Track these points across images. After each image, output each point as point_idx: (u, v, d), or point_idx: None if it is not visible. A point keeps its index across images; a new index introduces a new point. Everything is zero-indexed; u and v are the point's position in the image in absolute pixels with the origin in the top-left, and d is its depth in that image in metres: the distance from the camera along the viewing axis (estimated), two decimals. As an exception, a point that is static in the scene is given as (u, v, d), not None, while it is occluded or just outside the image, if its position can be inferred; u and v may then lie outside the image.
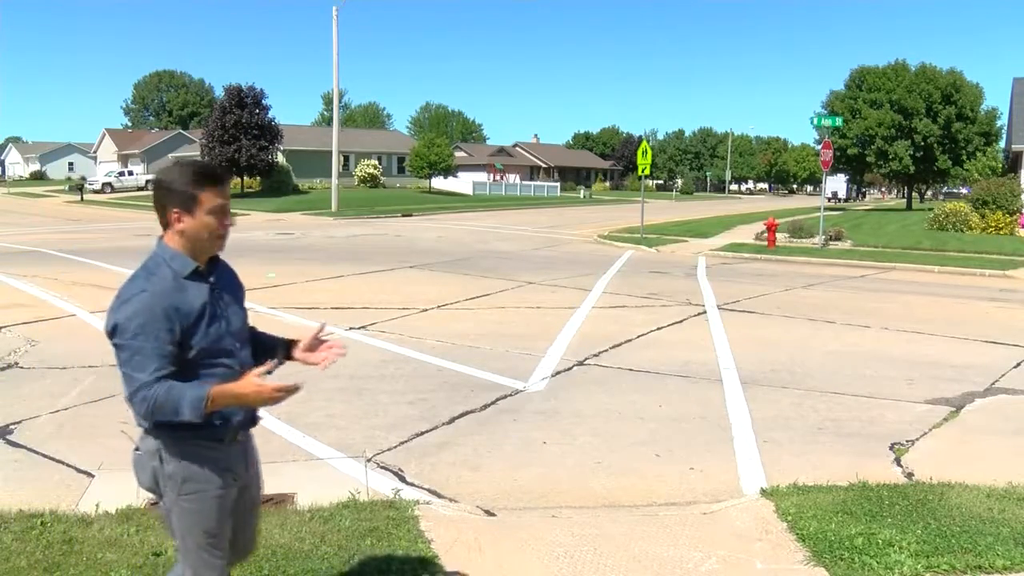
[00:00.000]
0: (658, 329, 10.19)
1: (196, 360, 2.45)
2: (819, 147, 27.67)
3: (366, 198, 47.88)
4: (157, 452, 2.52)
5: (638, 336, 9.70)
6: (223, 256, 2.68)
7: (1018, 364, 8.56)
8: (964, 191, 61.02)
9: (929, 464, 5.42)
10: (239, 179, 52.98)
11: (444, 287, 13.62)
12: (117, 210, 43.25)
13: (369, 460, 5.38)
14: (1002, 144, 47.60)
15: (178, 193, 2.46)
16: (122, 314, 2.38)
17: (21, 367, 7.75)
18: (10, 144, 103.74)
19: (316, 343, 2.71)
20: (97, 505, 4.40)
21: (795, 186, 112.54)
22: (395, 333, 9.55)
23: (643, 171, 25.89)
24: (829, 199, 67.43)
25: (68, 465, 5.21)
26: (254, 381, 2.37)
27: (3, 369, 7.68)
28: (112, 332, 2.40)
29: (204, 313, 2.47)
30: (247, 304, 2.75)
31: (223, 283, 2.61)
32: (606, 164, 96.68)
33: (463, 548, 4.05)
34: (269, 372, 2.45)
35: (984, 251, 21.61)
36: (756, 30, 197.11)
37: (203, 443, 2.50)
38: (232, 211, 2.64)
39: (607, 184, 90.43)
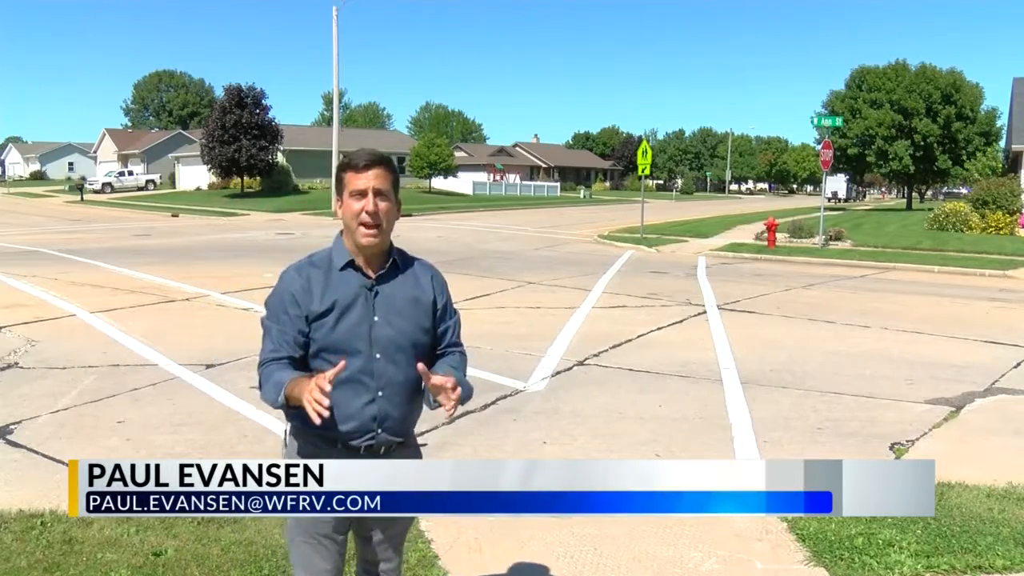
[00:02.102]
0: (658, 329, 10.20)
1: (317, 355, 2.40)
2: (819, 147, 27.66)
3: (366, 198, 47.82)
4: (284, 434, 2.55)
5: (638, 336, 9.70)
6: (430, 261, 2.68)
7: (1018, 364, 8.56)
8: (964, 191, 60.99)
9: (929, 464, 5.41)
10: (239, 179, 53.04)
11: (444, 287, 13.60)
12: (117, 210, 43.25)
13: (369, 460, 5.38)
14: (1002, 144, 47.57)
15: (336, 180, 2.53)
16: (269, 294, 2.50)
17: (21, 367, 7.75)
18: (10, 144, 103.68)
19: (436, 387, 2.38)
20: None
21: (795, 186, 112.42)
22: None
23: (643, 171, 25.90)
24: (829, 199, 67.42)
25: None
26: (314, 380, 2.19)
27: (3, 369, 7.68)
28: (264, 308, 2.53)
29: (334, 308, 2.39)
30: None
31: (393, 285, 2.48)
32: (606, 164, 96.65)
33: (463, 548, 4.06)
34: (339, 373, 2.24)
35: (984, 251, 21.61)
36: (756, 30, 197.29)
37: (317, 440, 2.43)
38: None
39: (607, 184, 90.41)
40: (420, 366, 2.38)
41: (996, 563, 3.90)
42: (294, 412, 2.37)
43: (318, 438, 2.42)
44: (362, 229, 2.40)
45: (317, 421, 2.14)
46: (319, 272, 2.45)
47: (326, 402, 2.13)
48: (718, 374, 7.85)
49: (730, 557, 4.02)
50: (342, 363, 2.24)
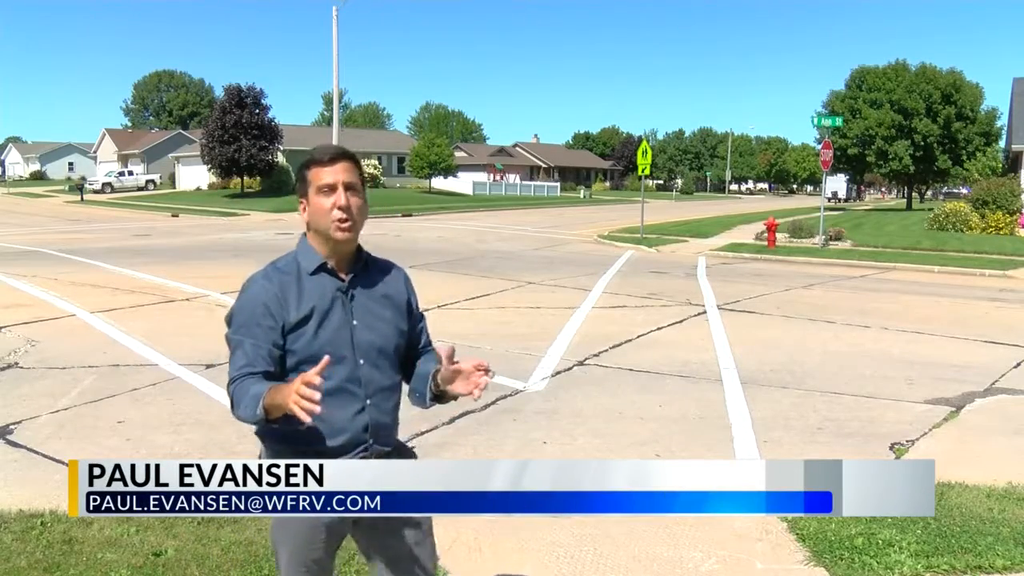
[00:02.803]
0: (658, 329, 10.20)
1: (296, 367, 2.23)
2: (819, 147, 27.67)
3: (366, 198, 47.87)
4: (258, 455, 2.37)
5: (638, 336, 9.70)
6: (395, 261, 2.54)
7: (1018, 364, 8.55)
8: (964, 191, 61.00)
9: (929, 464, 5.41)
10: (239, 179, 53.04)
11: (444, 287, 13.62)
12: (117, 210, 43.28)
13: (369, 460, 5.37)
14: (1002, 144, 47.60)
15: (297, 181, 2.35)
16: (233, 306, 2.31)
17: (21, 367, 7.75)
18: (10, 144, 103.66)
19: (456, 371, 2.36)
20: (97, 505, 4.40)
21: (795, 186, 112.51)
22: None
23: (643, 171, 25.92)
24: (829, 199, 67.43)
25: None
26: (299, 378, 2.00)
27: (3, 369, 7.68)
28: (226, 323, 2.32)
29: (312, 315, 2.25)
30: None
31: (367, 287, 2.36)
32: (606, 164, 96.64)
33: (463, 548, 4.06)
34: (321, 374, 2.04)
35: (984, 251, 21.61)
36: (756, 30, 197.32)
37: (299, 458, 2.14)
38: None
39: (607, 184, 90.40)
40: (445, 348, 2.29)
41: (996, 563, 3.90)
42: (273, 430, 2.20)
43: (303, 457, 2.08)
44: (336, 225, 2.26)
45: (308, 420, 1.95)
46: (290, 278, 2.28)
47: (317, 396, 1.94)
48: (718, 374, 7.85)
49: (730, 557, 4.02)
50: (326, 358, 2.07)
